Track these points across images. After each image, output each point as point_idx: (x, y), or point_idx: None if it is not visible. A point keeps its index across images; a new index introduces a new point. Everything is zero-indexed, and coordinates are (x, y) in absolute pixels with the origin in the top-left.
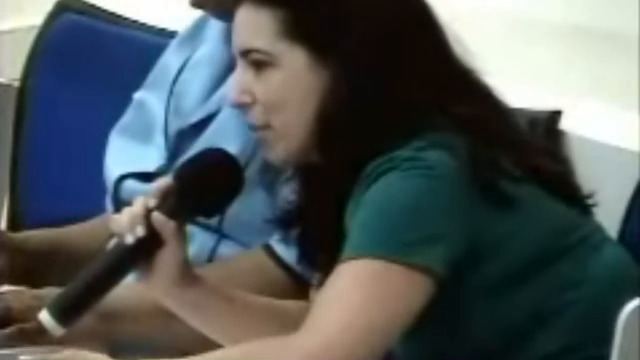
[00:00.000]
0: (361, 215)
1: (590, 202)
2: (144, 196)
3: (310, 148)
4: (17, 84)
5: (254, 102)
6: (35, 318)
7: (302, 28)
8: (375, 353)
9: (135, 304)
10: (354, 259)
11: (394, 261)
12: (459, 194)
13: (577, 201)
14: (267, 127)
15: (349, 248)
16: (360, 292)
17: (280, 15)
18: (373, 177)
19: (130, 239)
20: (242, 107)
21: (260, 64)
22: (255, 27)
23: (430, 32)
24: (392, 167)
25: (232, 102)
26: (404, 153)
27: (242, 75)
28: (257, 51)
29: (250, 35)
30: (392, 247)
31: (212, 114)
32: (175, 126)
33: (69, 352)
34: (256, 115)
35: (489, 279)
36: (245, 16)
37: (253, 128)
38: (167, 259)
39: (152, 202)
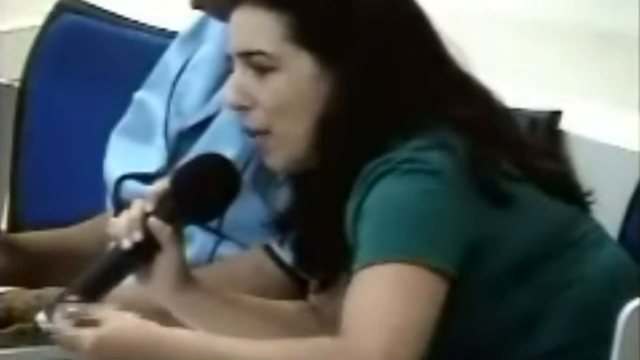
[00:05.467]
0: (373, 219)
1: (589, 199)
2: (141, 199)
3: (310, 154)
4: (17, 84)
5: (254, 106)
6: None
7: (309, 33)
8: (419, 354)
9: (131, 304)
10: (377, 263)
11: (418, 263)
12: (459, 193)
13: (575, 200)
14: (266, 132)
15: (367, 252)
16: (398, 295)
17: (287, 18)
18: (370, 180)
19: (127, 243)
20: (240, 110)
21: (262, 67)
22: (260, 28)
23: (428, 37)
24: (389, 169)
25: (231, 104)
26: (401, 154)
27: (241, 77)
28: (261, 53)
29: (254, 37)
30: (413, 249)
31: (212, 115)
32: (175, 127)
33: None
34: (256, 119)
35: (487, 277)
36: (248, 17)
37: (250, 132)
38: (164, 263)
39: (149, 207)
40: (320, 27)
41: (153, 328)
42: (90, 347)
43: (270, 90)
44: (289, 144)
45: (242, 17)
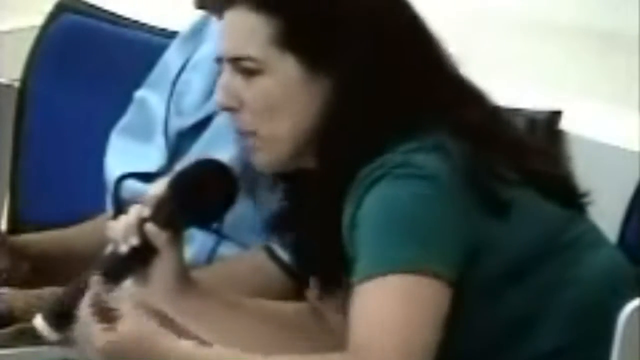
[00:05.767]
0: (368, 228)
1: (586, 200)
2: (139, 205)
3: (297, 155)
4: (17, 84)
5: (241, 107)
6: None
7: (297, 37)
8: None
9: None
10: (378, 275)
11: (418, 271)
12: (454, 197)
13: (572, 202)
14: (252, 133)
15: (366, 264)
16: (402, 307)
17: (276, 22)
18: (365, 185)
19: (124, 248)
20: (228, 111)
21: (249, 70)
22: (249, 32)
23: (423, 39)
24: (383, 174)
25: (219, 105)
26: (394, 158)
27: (229, 79)
28: (249, 59)
29: (242, 41)
30: (411, 257)
31: (211, 114)
32: (175, 126)
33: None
34: (243, 121)
35: (484, 279)
36: (237, 20)
37: (239, 132)
38: (162, 267)
39: (146, 212)
40: (309, 31)
41: (165, 339)
42: (102, 346)
43: (256, 93)
44: (274, 145)
45: (233, 19)
